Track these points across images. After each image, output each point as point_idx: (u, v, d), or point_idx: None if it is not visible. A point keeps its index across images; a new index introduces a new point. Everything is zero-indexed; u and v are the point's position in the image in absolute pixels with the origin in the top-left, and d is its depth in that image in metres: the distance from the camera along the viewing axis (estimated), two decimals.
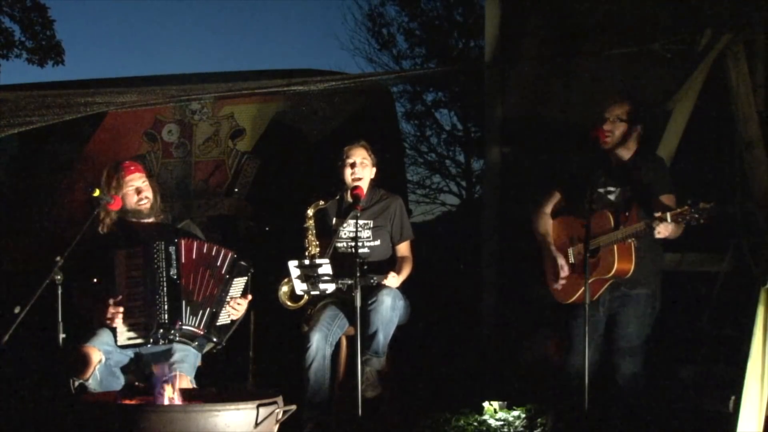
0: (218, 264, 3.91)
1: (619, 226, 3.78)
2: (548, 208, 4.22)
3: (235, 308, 3.93)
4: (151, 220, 4.08)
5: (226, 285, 3.91)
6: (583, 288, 3.84)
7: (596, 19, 5.41)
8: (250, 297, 3.97)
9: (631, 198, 3.90)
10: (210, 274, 3.88)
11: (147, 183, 4.09)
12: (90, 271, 3.88)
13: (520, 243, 4.36)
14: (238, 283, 3.94)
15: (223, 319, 3.90)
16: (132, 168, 4.08)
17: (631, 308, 3.86)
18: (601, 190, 3.97)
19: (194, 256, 3.89)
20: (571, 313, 4.01)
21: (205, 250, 3.92)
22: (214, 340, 3.87)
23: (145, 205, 4.04)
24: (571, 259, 4.04)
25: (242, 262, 3.96)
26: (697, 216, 3.50)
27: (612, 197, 3.94)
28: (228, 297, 3.90)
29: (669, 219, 3.57)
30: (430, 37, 14.85)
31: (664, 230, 3.63)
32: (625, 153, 4.01)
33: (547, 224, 4.19)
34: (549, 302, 4.17)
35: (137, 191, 4.03)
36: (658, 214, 3.59)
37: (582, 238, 3.92)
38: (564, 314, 4.06)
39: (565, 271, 4.02)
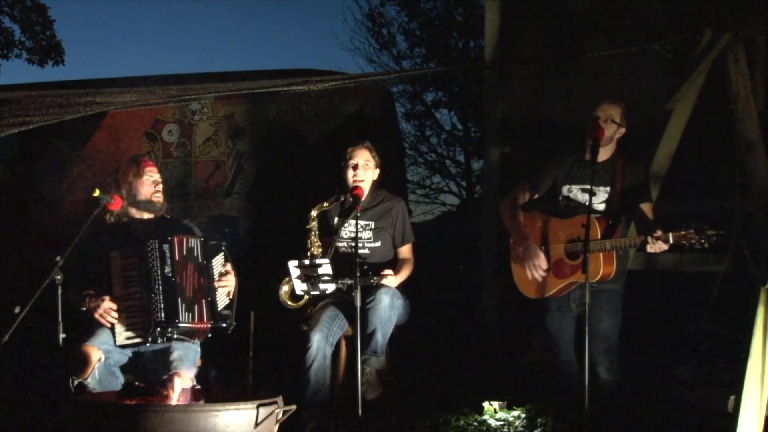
0: (196, 254, 3.91)
1: (607, 236, 3.79)
2: (521, 201, 4.17)
3: (225, 284, 3.92)
4: (151, 216, 4.08)
5: (209, 270, 3.90)
6: (558, 286, 3.89)
7: (596, 19, 5.41)
8: (229, 266, 3.96)
9: (611, 203, 3.91)
10: (194, 267, 3.88)
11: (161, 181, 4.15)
12: (87, 271, 3.87)
13: None
14: (217, 262, 3.94)
15: (222, 301, 3.90)
16: (150, 163, 4.15)
17: (604, 302, 3.87)
18: (578, 188, 3.98)
19: (184, 252, 3.89)
20: (543, 308, 4.04)
21: (190, 244, 3.91)
22: (224, 325, 3.86)
23: (159, 198, 4.08)
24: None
25: (212, 242, 3.97)
26: (703, 241, 3.50)
27: (586, 197, 3.89)
28: (215, 281, 3.90)
29: (671, 240, 3.57)
30: (430, 37, 14.86)
31: (657, 248, 3.64)
32: (605, 153, 4.01)
33: (521, 217, 4.15)
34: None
35: (155, 183, 4.08)
36: (658, 234, 3.59)
37: (560, 239, 3.95)
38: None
39: (544, 267, 3.99)
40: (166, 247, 3.83)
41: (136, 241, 3.91)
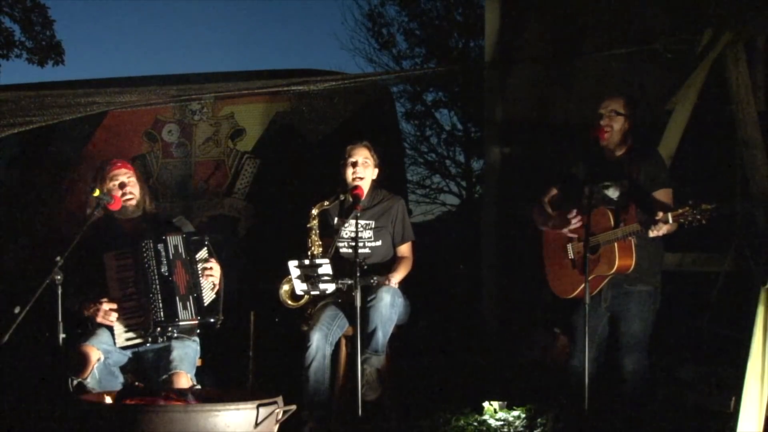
0: (180, 251, 3.88)
1: (619, 224, 3.78)
2: (547, 200, 4.20)
3: (210, 274, 3.87)
4: (137, 215, 4.06)
5: (193, 266, 3.87)
6: (583, 284, 3.86)
7: (596, 19, 5.42)
8: (213, 260, 3.92)
9: (628, 195, 3.90)
10: (181, 263, 3.85)
11: (133, 179, 4.06)
12: (81, 273, 3.85)
13: (520, 243, 4.36)
14: (201, 257, 3.91)
15: (208, 296, 3.86)
16: (118, 164, 4.07)
17: (634, 305, 3.86)
18: (599, 186, 3.97)
19: (172, 250, 3.87)
20: (573, 309, 4.02)
21: (174, 242, 3.88)
22: (212, 320, 3.84)
23: (130, 201, 4.02)
24: (570, 255, 4.03)
25: (194, 238, 3.94)
26: (699, 217, 3.50)
27: (610, 193, 3.93)
28: (199, 276, 3.86)
29: (671, 220, 3.56)
30: (430, 37, 14.86)
31: (657, 231, 3.63)
32: (620, 148, 4.00)
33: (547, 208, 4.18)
34: (548, 302, 4.17)
35: (121, 186, 4.00)
36: (659, 216, 3.58)
37: (580, 235, 3.93)
38: (565, 312, 4.06)
39: (574, 219, 3.97)
40: (161, 246, 3.81)
41: (128, 241, 3.89)
